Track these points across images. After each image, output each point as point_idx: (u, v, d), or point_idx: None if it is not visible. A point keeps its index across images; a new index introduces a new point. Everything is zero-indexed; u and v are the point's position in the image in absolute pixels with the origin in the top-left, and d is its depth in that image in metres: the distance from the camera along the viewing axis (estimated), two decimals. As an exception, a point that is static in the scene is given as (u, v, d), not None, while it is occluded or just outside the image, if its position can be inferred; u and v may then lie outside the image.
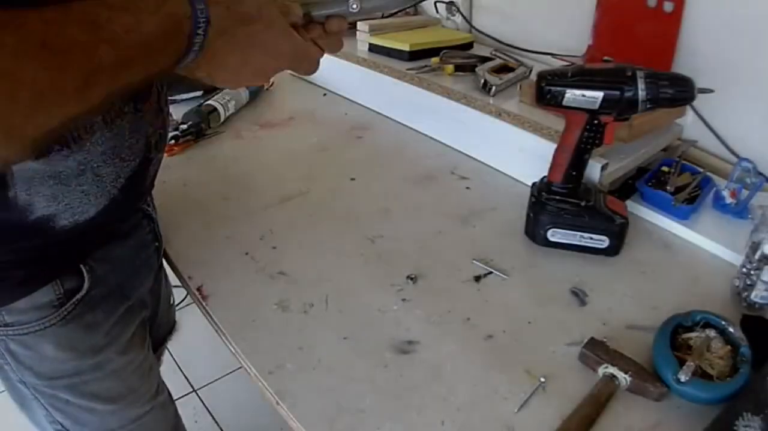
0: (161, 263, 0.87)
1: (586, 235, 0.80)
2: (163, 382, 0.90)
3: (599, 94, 0.72)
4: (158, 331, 1.00)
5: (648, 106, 0.71)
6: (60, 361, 0.70)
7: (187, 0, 0.47)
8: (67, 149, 0.56)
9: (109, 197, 0.63)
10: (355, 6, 0.61)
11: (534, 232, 0.83)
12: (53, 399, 0.74)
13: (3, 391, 0.75)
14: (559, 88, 0.73)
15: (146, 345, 0.83)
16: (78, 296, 0.68)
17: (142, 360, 0.81)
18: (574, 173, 0.79)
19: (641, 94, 0.70)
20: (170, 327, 1.07)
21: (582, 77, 0.73)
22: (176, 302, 1.02)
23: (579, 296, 0.75)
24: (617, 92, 0.71)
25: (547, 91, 0.74)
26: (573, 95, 0.73)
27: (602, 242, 0.79)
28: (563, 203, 0.80)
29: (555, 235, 0.81)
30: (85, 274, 0.68)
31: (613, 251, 0.80)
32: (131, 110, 0.61)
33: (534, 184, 0.84)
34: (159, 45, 0.46)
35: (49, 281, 0.65)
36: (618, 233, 0.79)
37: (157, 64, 0.47)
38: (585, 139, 0.76)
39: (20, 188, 0.57)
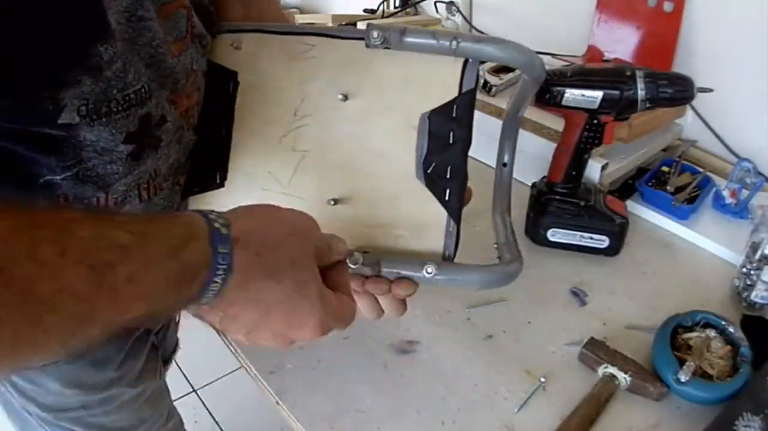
0: None
1: (586, 235, 0.80)
2: (173, 407, 0.87)
3: (599, 94, 0.72)
4: (165, 352, 0.98)
5: (647, 105, 0.71)
6: (65, 396, 0.66)
7: (208, 243, 0.37)
8: None
9: None
10: (430, 271, 0.52)
11: (534, 232, 0.83)
12: (58, 428, 0.71)
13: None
14: (558, 88, 0.73)
15: (158, 373, 0.78)
16: None
17: (153, 388, 0.78)
18: (573, 172, 0.79)
19: (640, 93, 0.70)
20: (174, 346, 1.04)
21: (581, 77, 0.73)
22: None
23: (579, 296, 0.75)
24: (616, 92, 0.71)
25: (546, 90, 0.74)
26: (572, 95, 0.73)
27: (602, 242, 0.79)
28: (563, 203, 0.80)
29: (555, 235, 0.81)
30: None
31: (612, 251, 0.80)
32: (170, 185, 0.54)
33: (534, 184, 0.84)
34: (166, 297, 0.36)
35: None
36: (618, 233, 0.79)
37: (159, 311, 0.37)
38: (585, 139, 0.76)
39: None
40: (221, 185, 0.57)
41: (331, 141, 0.56)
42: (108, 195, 0.47)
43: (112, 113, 0.43)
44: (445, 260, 0.55)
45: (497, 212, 0.68)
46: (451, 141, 0.55)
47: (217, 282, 0.38)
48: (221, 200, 0.57)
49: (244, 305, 0.41)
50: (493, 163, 0.95)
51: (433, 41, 0.52)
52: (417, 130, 0.54)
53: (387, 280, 0.52)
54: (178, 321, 1.05)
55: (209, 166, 0.58)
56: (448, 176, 0.55)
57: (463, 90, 0.53)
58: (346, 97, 0.55)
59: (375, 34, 0.51)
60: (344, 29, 0.56)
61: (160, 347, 0.89)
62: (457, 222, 0.55)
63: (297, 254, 0.43)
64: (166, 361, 1.01)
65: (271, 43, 0.56)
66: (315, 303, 0.43)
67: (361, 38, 0.53)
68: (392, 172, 0.55)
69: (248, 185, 0.58)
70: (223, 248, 0.38)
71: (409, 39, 0.52)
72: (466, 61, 0.53)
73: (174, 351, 1.04)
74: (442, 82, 0.54)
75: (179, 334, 0.99)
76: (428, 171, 0.55)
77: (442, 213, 0.55)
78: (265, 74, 0.56)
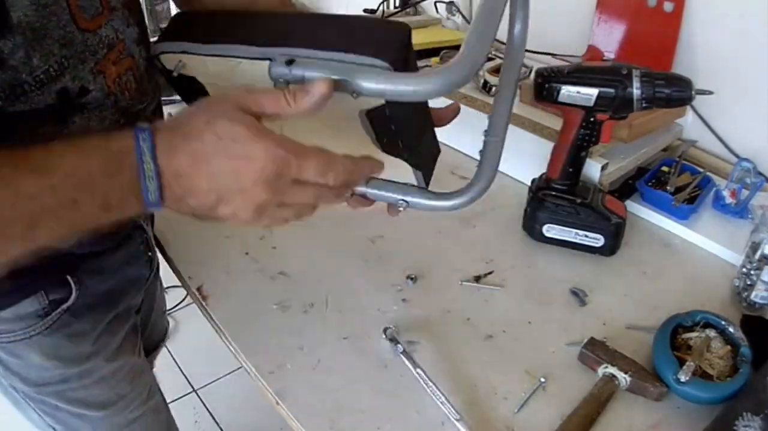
0: (156, 272, 0.86)
1: (581, 232, 0.80)
2: (156, 386, 0.90)
3: (594, 92, 0.72)
4: (151, 338, 0.99)
5: (643, 105, 0.71)
6: (45, 369, 0.70)
7: (130, 133, 0.43)
8: None
9: None
10: (402, 203, 0.59)
11: (531, 227, 0.83)
12: (43, 405, 0.74)
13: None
14: (555, 85, 0.74)
15: (137, 350, 0.82)
16: (64, 307, 0.67)
17: (131, 365, 0.80)
18: (570, 170, 0.79)
19: (636, 93, 0.70)
20: (162, 334, 1.07)
21: (578, 74, 0.73)
22: (176, 303, 1.03)
23: (579, 296, 0.75)
24: (612, 90, 0.71)
25: (543, 87, 0.75)
26: (568, 92, 0.73)
27: (597, 240, 0.79)
28: (559, 199, 0.80)
29: (550, 230, 0.81)
30: (73, 285, 0.67)
31: (608, 250, 0.80)
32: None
33: (533, 180, 0.84)
34: (103, 182, 0.43)
35: (33, 292, 0.64)
36: (613, 232, 0.79)
37: (109, 203, 0.44)
38: (582, 136, 0.76)
39: None
40: None
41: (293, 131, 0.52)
42: None
43: (27, 92, 0.49)
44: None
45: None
46: (393, 128, 0.56)
47: (147, 162, 0.43)
48: None
49: (188, 171, 0.44)
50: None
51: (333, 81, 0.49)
52: (360, 122, 0.55)
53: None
54: (165, 311, 1.09)
55: None
56: (401, 146, 0.58)
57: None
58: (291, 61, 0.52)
59: (279, 81, 0.50)
60: (250, 50, 0.53)
61: (144, 330, 0.91)
62: (424, 174, 0.62)
63: (210, 115, 0.45)
64: (155, 347, 1.03)
65: (205, 60, 0.55)
66: (245, 133, 0.45)
67: (265, 59, 0.51)
68: (360, 144, 0.57)
69: None
70: (142, 134, 0.43)
71: (308, 77, 0.50)
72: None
73: (163, 338, 1.07)
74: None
75: (179, 336, 0.99)
76: (383, 143, 0.58)
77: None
78: (216, 80, 0.56)
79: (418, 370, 0.62)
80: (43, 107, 0.51)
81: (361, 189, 0.61)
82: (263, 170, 0.45)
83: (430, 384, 0.61)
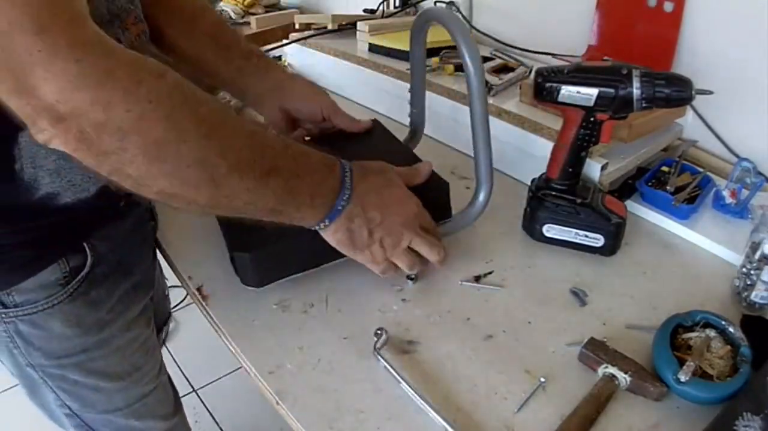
0: (155, 248, 0.88)
1: (581, 232, 0.80)
2: (164, 364, 0.93)
3: (594, 91, 0.72)
4: (157, 319, 1.01)
5: (643, 105, 0.71)
6: (67, 338, 0.73)
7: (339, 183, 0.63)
8: None
9: None
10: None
11: (530, 227, 0.83)
12: (61, 381, 0.77)
13: (12, 386, 0.76)
14: (554, 85, 0.74)
15: (151, 325, 0.86)
16: (83, 274, 0.70)
17: (146, 337, 0.84)
18: (570, 169, 0.79)
19: (636, 92, 0.70)
20: (165, 317, 1.10)
21: (578, 74, 0.73)
22: (176, 303, 1.03)
23: (579, 296, 0.75)
24: (612, 90, 0.71)
25: (543, 87, 0.75)
26: (568, 92, 0.73)
27: (597, 240, 0.79)
28: (559, 199, 0.80)
29: (550, 230, 0.81)
30: (88, 252, 0.71)
31: (608, 250, 0.80)
32: None
33: (533, 180, 0.84)
34: (321, 171, 0.62)
35: (56, 259, 0.68)
36: (613, 232, 0.79)
37: (315, 192, 0.61)
38: (582, 136, 0.76)
39: (26, 161, 0.60)
40: None
41: None
42: None
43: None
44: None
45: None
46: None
47: (347, 173, 0.64)
48: None
49: (368, 191, 0.65)
50: (493, 164, 0.95)
51: None
52: None
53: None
54: (167, 293, 1.13)
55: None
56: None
57: None
58: None
59: None
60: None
61: (155, 306, 0.95)
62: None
63: (383, 165, 0.72)
64: (159, 330, 1.06)
65: None
66: (407, 193, 0.70)
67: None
68: None
69: None
70: (342, 161, 0.65)
71: None
72: None
73: (166, 322, 1.12)
74: None
75: (179, 336, 1.00)
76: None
77: None
78: None
79: (403, 384, 0.62)
80: None
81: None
82: (409, 210, 0.69)
83: (415, 397, 0.60)
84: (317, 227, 0.64)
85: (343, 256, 0.77)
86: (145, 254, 0.84)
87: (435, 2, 1.37)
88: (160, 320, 1.06)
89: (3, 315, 0.69)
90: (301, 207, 0.60)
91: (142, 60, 0.48)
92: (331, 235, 0.65)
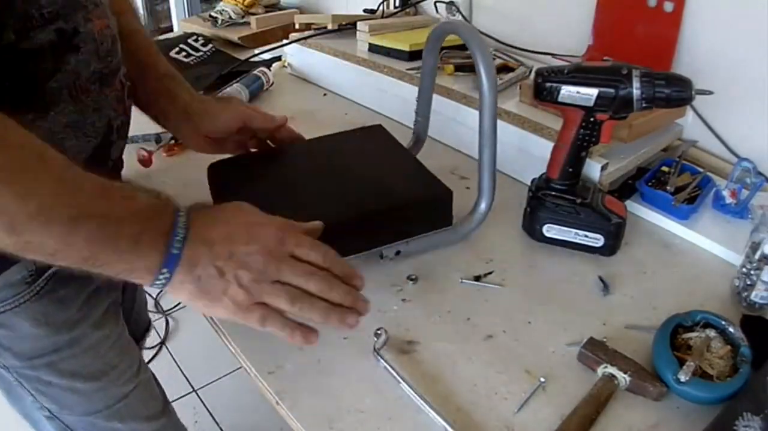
0: None
1: (581, 232, 0.80)
2: (145, 363, 0.92)
3: (594, 92, 0.72)
4: (134, 328, 1.01)
5: (643, 105, 0.71)
6: (37, 338, 0.72)
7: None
8: (33, 113, 0.60)
9: None
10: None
11: (531, 227, 0.83)
12: (36, 383, 0.76)
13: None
14: (554, 85, 0.74)
15: (121, 323, 0.84)
16: (49, 272, 0.69)
17: (118, 335, 0.82)
18: (571, 169, 0.79)
19: (636, 93, 0.70)
20: (145, 326, 1.10)
21: (578, 74, 0.73)
22: (177, 303, 1.03)
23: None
24: (612, 90, 0.71)
25: (543, 87, 0.75)
26: (568, 92, 0.73)
27: (597, 240, 0.79)
28: (559, 199, 0.80)
29: (550, 230, 0.81)
30: None
31: (608, 250, 0.80)
32: (96, 88, 0.66)
33: (533, 180, 0.84)
34: (147, 215, 0.52)
35: (19, 258, 0.65)
36: (614, 232, 0.79)
37: (140, 238, 0.51)
38: (581, 136, 0.76)
39: None
40: None
41: None
42: (45, 93, 0.60)
43: (35, 27, 0.57)
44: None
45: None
46: None
47: (182, 215, 0.54)
48: None
49: (211, 225, 0.55)
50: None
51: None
52: None
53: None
54: (146, 302, 1.12)
55: None
56: None
57: None
58: None
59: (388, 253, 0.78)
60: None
61: (124, 306, 0.92)
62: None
63: (237, 203, 0.60)
64: (139, 339, 1.06)
65: None
66: (266, 217, 0.58)
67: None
68: None
69: None
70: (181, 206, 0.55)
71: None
72: None
73: (146, 330, 1.11)
74: None
75: (179, 337, 1.00)
76: None
77: None
78: None
79: (403, 384, 0.62)
80: (45, 44, 0.58)
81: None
82: (269, 234, 0.55)
83: (415, 397, 0.60)
84: (158, 284, 0.52)
85: (345, 255, 0.76)
86: None
87: (435, 2, 1.37)
88: (140, 328, 1.06)
89: None
90: (124, 255, 0.50)
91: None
92: (179, 290, 0.53)
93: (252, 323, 0.55)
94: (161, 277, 0.52)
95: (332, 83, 1.32)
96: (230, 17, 1.65)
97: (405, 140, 0.96)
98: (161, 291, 1.02)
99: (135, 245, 0.51)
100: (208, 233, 0.53)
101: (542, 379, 0.63)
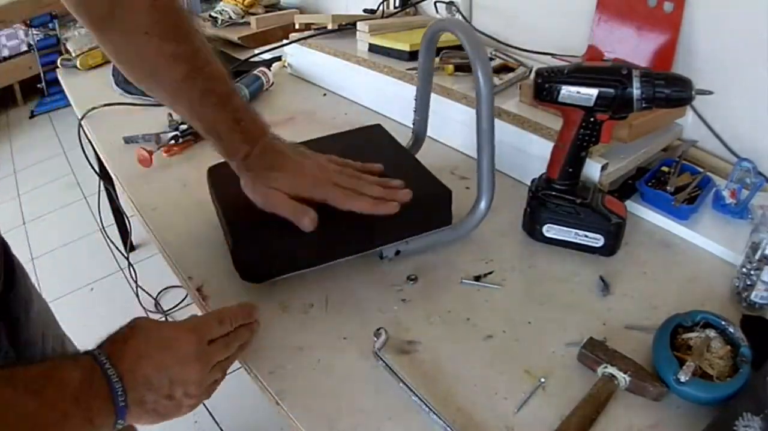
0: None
1: (581, 233, 0.80)
2: None
3: (594, 92, 0.72)
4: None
5: (643, 105, 0.71)
6: None
7: (86, 354, 0.54)
8: None
9: None
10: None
11: (530, 227, 0.83)
12: None
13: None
14: (554, 85, 0.74)
15: None
16: None
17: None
18: (570, 170, 0.79)
19: (636, 93, 0.70)
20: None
21: (577, 74, 0.73)
22: (177, 303, 1.02)
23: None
24: (612, 90, 0.71)
25: (543, 87, 0.75)
26: (568, 92, 0.73)
27: (597, 240, 0.79)
28: (559, 199, 0.80)
29: (550, 230, 0.81)
30: None
31: (608, 250, 0.80)
32: None
33: (533, 180, 0.84)
34: (86, 392, 0.51)
35: None
36: (614, 232, 0.79)
37: (92, 415, 0.51)
38: (581, 136, 0.76)
39: None
40: None
41: None
42: None
43: None
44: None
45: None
46: None
47: (109, 368, 0.53)
48: None
49: (138, 365, 0.55)
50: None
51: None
52: None
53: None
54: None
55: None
56: None
57: None
58: None
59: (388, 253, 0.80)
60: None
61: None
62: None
63: (135, 324, 0.59)
64: None
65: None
66: (166, 323, 0.63)
67: (372, 249, 0.80)
68: None
69: None
70: (97, 350, 0.55)
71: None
72: None
73: None
74: None
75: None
76: None
77: None
78: None
79: (402, 385, 0.62)
80: None
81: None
82: (189, 343, 0.59)
83: (415, 397, 0.60)
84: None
85: (345, 255, 0.77)
86: None
87: (435, 2, 1.37)
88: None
89: None
90: None
91: None
92: (138, 422, 0.56)
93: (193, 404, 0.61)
94: (118, 425, 0.54)
95: (332, 83, 1.32)
96: (230, 17, 1.65)
97: (405, 139, 0.96)
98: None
99: (90, 426, 0.51)
100: (140, 372, 0.55)
101: (542, 379, 0.63)
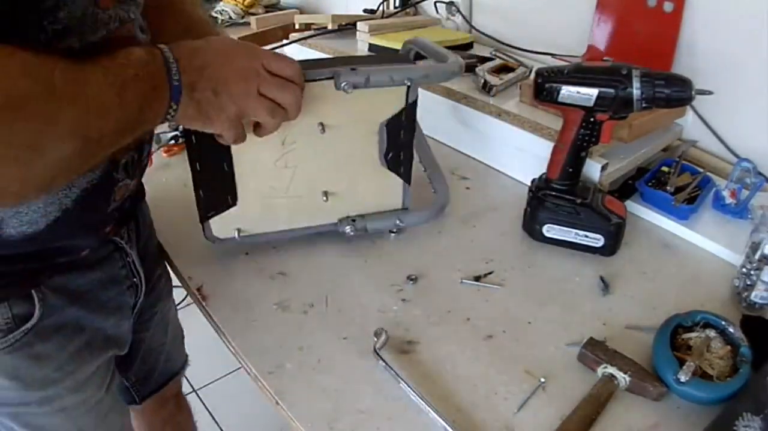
0: (160, 299, 0.85)
1: (581, 233, 0.80)
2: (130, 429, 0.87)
3: (594, 92, 0.72)
4: (165, 370, 0.98)
5: (643, 105, 0.71)
6: (4, 388, 0.65)
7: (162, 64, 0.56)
8: None
9: (61, 207, 0.59)
10: (399, 221, 0.82)
11: (530, 227, 0.83)
12: None
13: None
14: (555, 85, 0.74)
15: (106, 386, 0.77)
16: (28, 326, 0.63)
17: (98, 400, 0.76)
18: (571, 170, 0.79)
19: (636, 93, 0.70)
20: (179, 366, 1.03)
21: (577, 74, 0.73)
22: (177, 303, 1.02)
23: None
24: (612, 90, 0.71)
25: (543, 87, 0.75)
26: (568, 92, 0.73)
27: (597, 240, 0.79)
28: (559, 199, 0.80)
29: (550, 231, 0.81)
30: (37, 302, 0.63)
31: (608, 250, 0.80)
32: None
33: (533, 180, 0.84)
34: (149, 63, 0.54)
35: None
36: (613, 232, 0.79)
37: (154, 83, 0.54)
38: (582, 136, 0.76)
39: None
40: (234, 204, 0.76)
41: (315, 155, 0.75)
42: None
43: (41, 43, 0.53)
44: (405, 208, 0.84)
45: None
46: (401, 136, 0.77)
47: (166, 51, 0.56)
48: (236, 213, 0.77)
49: (197, 53, 0.58)
50: (493, 164, 0.96)
51: (391, 81, 0.72)
52: (377, 134, 0.76)
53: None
54: (183, 339, 1.05)
55: (220, 193, 0.75)
56: (401, 158, 0.80)
57: (408, 102, 0.75)
58: (322, 126, 0.73)
59: (345, 86, 0.69)
60: (314, 72, 0.69)
61: (151, 362, 0.90)
62: (409, 183, 0.82)
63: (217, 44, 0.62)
64: (170, 378, 0.99)
65: None
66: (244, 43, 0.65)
67: (330, 78, 0.69)
68: (362, 166, 0.78)
69: (255, 198, 0.77)
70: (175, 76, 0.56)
71: (373, 80, 0.70)
72: (409, 86, 0.74)
73: (179, 371, 1.03)
74: (394, 100, 0.75)
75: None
76: (387, 158, 0.79)
77: (399, 182, 0.81)
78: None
79: (403, 384, 0.62)
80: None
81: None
82: (251, 51, 0.62)
83: (415, 397, 0.60)
84: (169, 117, 0.58)
85: None
86: (115, 315, 0.74)
87: (435, 2, 1.37)
88: (171, 370, 1.00)
89: None
90: (149, 99, 0.54)
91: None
92: (182, 116, 0.59)
93: (228, 137, 0.63)
94: (171, 112, 0.57)
95: (332, 83, 1.32)
96: (230, 17, 1.65)
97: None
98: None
99: (153, 91, 0.54)
100: (196, 62, 0.58)
101: (542, 379, 0.63)
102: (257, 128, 0.66)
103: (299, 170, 0.75)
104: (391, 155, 0.78)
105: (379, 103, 0.74)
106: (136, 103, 0.53)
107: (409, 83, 0.73)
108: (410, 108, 0.76)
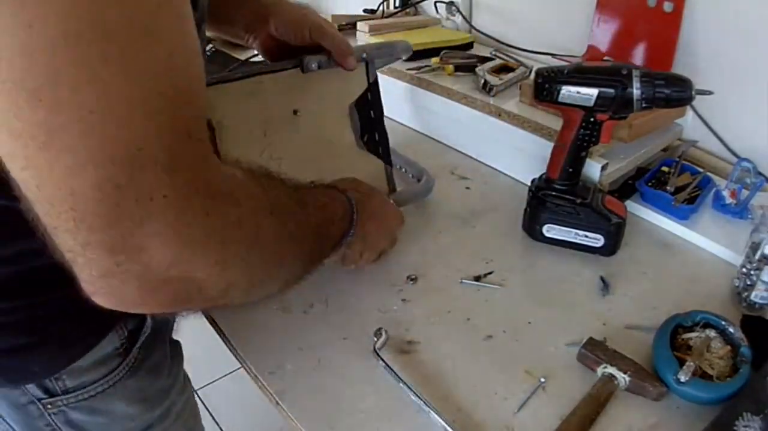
0: None
1: (581, 233, 0.80)
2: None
3: (594, 92, 0.72)
4: None
5: (643, 105, 0.71)
6: (130, 418, 0.63)
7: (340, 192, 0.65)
8: None
9: None
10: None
11: (530, 227, 0.83)
12: None
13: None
14: (555, 85, 0.74)
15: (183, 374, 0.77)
16: (143, 338, 0.60)
17: (191, 394, 0.78)
18: (570, 170, 0.79)
19: (636, 93, 0.70)
20: None
21: (577, 74, 0.73)
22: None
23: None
24: (612, 90, 0.71)
25: (543, 87, 0.75)
26: (568, 92, 0.73)
27: (597, 240, 0.79)
28: (559, 199, 0.80)
29: (550, 231, 0.81)
30: None
31: (608, 250, 0.80)
32: None
33: (533, 180, 0.84)
34: (341, 217, 0.63)
35: (115, 324, 0.56)
36: (613, 232, 0.79)
37: (336, 234, 0.63)
38: (581, 136, 0.76)
39: None
40: None
41: (296, 145, 0.78)
42: None
43: None
44: (392, 191, 0.87)
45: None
46: (372, 116, 0.83)
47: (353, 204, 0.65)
48: None
49: (368, 216, 0.68)
50: (493, 164, 0.96)
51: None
52: (349, 117, 0.81)
53: None
54: None
55: None
56: (377, 139, 0.84)
57: (370, 81, 0.82)
58: (296, 112, 0.77)
59: (313, 65, 0.75)
60: (280, 63, 0.75)
61: None
62: (390, 165, 0.87)
63: (366, 186, 0.72)
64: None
65: (228, 89, 0.70)
66: (393, 209, 0.75)
67: (296, 66, 0.74)
68: (344, 152, 0.82)
69: None
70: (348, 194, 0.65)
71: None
72: (367, 63, 0.81)
73: None
74: (357, 81, 0.81)
75: (179, 336, 0.98)
76: (365, 141, 0.83)
77: (381, 165, 0.86)
78: (232, 113, 0.70)
79: (402, 384, 0.62)
80: None
81: None
82: (394, 225, 0.75)
83: (415, 397, 0.60)
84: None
85: None
86: None
87: (435, 2, 1.37)
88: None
89: (48, 406, 0.54)
90: (331, 239, 0.63)
91: (258, 195, 0.43)
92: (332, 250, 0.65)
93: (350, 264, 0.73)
94: (344, 239, 0.65)
95: (332, 83, 1.32)
96: (230, 17, 1.65)
97: (403, 138, 0.96)
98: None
99: (332, 247, 0.63)
100: (366, 227, 0.67)
101: (542, 379, 0.63)
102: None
103: (285, 162, 0.76)
104: (366, 136, 0.83)
105: (343, 86, 0.80)
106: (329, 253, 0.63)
107: (365, 56, 0.79)
108: (373, 86, 0.82)
